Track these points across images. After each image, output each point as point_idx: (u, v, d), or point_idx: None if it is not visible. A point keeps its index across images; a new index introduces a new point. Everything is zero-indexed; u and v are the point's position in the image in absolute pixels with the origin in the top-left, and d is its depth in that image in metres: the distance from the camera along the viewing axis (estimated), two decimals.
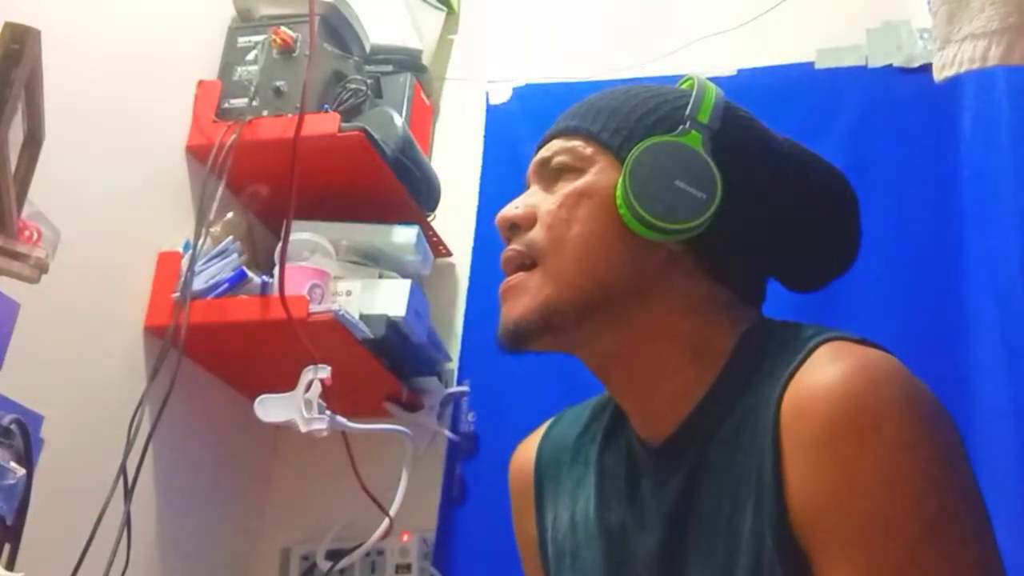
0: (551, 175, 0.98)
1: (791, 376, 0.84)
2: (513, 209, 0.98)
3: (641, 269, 0.93)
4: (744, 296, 0.98)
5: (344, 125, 1.72)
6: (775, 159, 0.99)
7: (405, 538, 1.79)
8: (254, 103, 1.76)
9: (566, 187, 0.96)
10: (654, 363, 0.94)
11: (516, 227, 0.97)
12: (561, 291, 0.93)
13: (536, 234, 0.96)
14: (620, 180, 0.92)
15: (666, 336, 0.93)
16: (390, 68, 2.00)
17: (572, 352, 0.98)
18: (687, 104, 0.95)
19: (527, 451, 1.10)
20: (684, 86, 1.00)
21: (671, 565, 0.89)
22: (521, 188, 1.04)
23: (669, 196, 0.90)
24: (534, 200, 0.98)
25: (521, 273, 0.96)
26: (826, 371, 0.82)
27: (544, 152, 1.00)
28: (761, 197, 0.96)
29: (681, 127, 0.94)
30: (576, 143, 0.98)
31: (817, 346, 0.85)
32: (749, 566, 0.82)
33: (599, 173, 0.95)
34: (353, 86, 1.83)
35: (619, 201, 0.92)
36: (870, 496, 0.78)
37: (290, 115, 1.70)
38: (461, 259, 2.03)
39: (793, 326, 0.92)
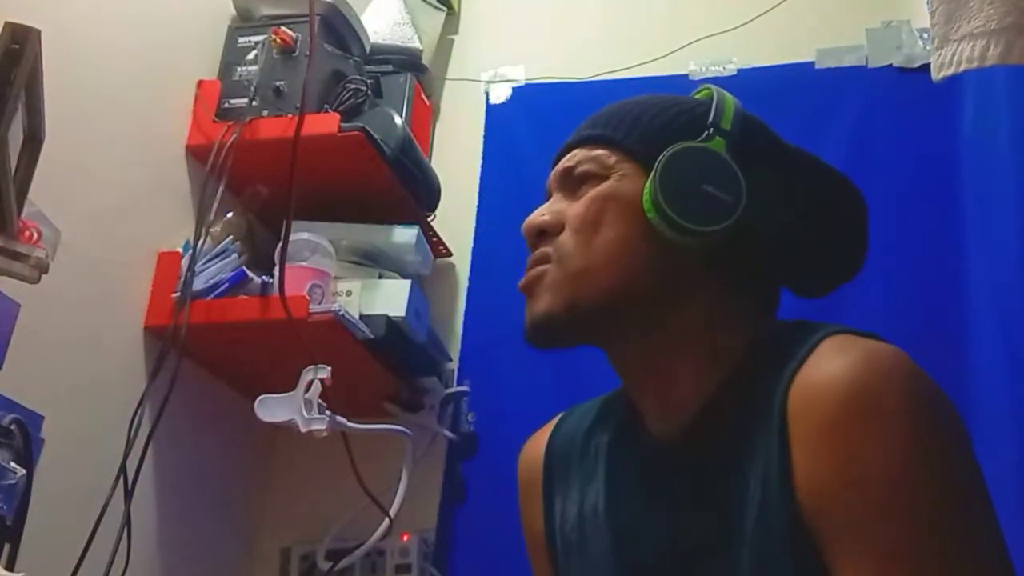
0: (574, 184, 1.00)
1: (798, 368, 0.85)
2: (540, 216, 0.99)
3: (666, 273, 0.94)
4: (762, 303, 1.00)
5: (344, 125, 1.72)
6: (788, 164, 1.01)
7: (405, 538, 1.79)
8: (254, 103, 1.76)
9: (591, 191, 0.97)
10: (675, 363, 0.95)
11: (544, 234, 0.98)
12: (587, 291, 0.94)
13: (564, 238, 0.97)
14: (649, 184, 0.93)
15: (688, 338, 0.95)
16: (390, 68, 2.01)
17: (599, 346, 1.00)
18: (707, 112, 0.97)
19: (537, 446, 1.11)
20: (701, 95, 1.02)
21: (682, 557, 0.90)
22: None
23: (697, 199, 0.92)
24: (559, 207, 0.99)
25: (543, 265, 0.97)
26: (832, 362, 0.84)
27: (567, 161, 1.01)
28: (778, 202, 0.97)
29: (705, 133, 0.95)
30: (600, 151, 0.99)
31: (822, 339, 0.87)
32: (758, 556, 0.83)
33: (623, 179, 0.96)
34: (353, 86, 1.83)
35: (647, 205, 0.93)
36: (875, 483, 0.79)
37: (290, 115, 1.70)
38: (461, 259, 2.03)
39: (801, 324, 0.93)
